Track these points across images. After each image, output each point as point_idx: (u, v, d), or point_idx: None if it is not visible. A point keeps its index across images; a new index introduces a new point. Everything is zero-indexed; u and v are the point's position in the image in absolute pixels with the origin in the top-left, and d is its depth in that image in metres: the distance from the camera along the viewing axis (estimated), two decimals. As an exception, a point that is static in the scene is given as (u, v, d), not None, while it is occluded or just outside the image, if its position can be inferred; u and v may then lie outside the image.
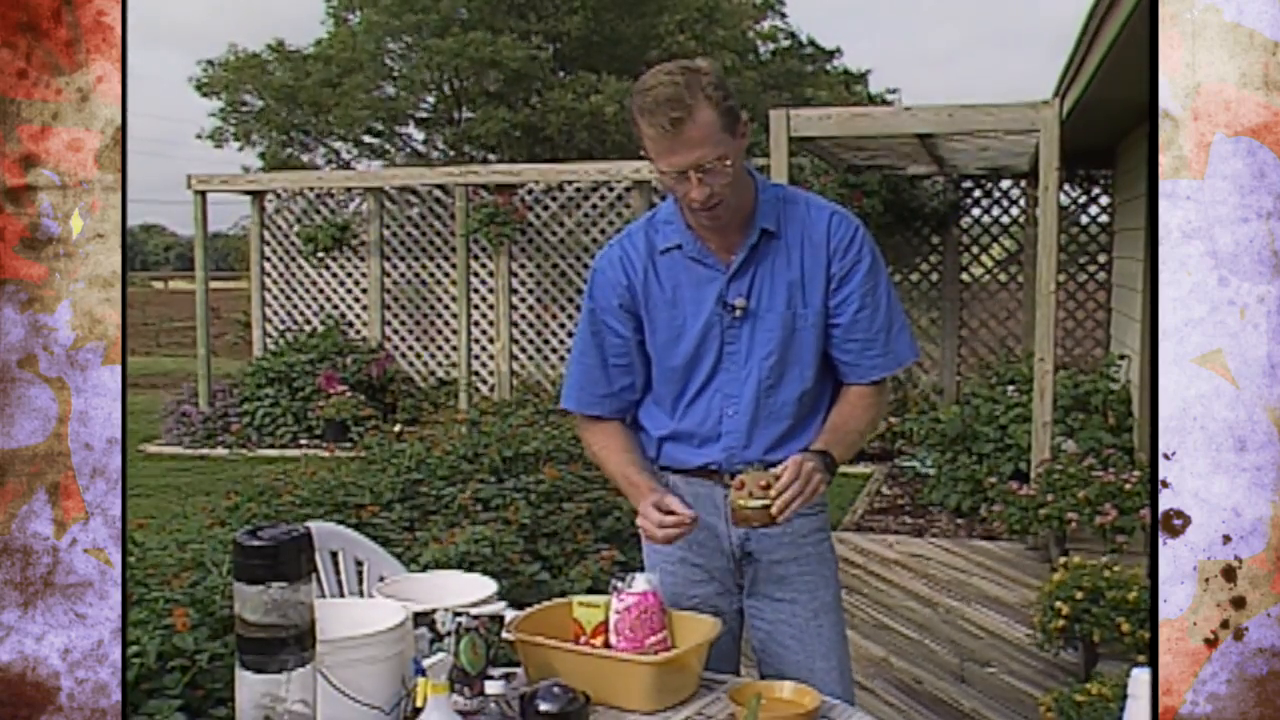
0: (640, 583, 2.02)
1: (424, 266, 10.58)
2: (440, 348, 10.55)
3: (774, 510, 1.92)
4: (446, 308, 10.49)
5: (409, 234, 10.59)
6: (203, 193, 10.18)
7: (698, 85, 1.95)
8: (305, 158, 24.60)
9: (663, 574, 2.15)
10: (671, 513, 2.03)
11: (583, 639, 2.02)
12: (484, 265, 10.22)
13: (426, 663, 1.67)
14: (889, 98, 26.73)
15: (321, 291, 10.77)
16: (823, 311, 2.12)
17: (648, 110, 1.96)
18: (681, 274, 2.14)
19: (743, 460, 2.11)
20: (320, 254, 10.31)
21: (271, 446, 9.34)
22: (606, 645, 2.00)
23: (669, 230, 2.15)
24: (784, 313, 2.11)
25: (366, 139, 24.57)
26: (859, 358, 2.14)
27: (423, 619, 1.88)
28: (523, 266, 10.30)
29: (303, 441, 9.37)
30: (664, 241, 2.15)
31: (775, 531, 2.17)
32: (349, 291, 10.70)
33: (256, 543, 1.49)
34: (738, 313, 2.11)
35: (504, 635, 1.95)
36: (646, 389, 2.24)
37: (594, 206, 10.09)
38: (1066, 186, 9.24)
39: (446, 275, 10.47)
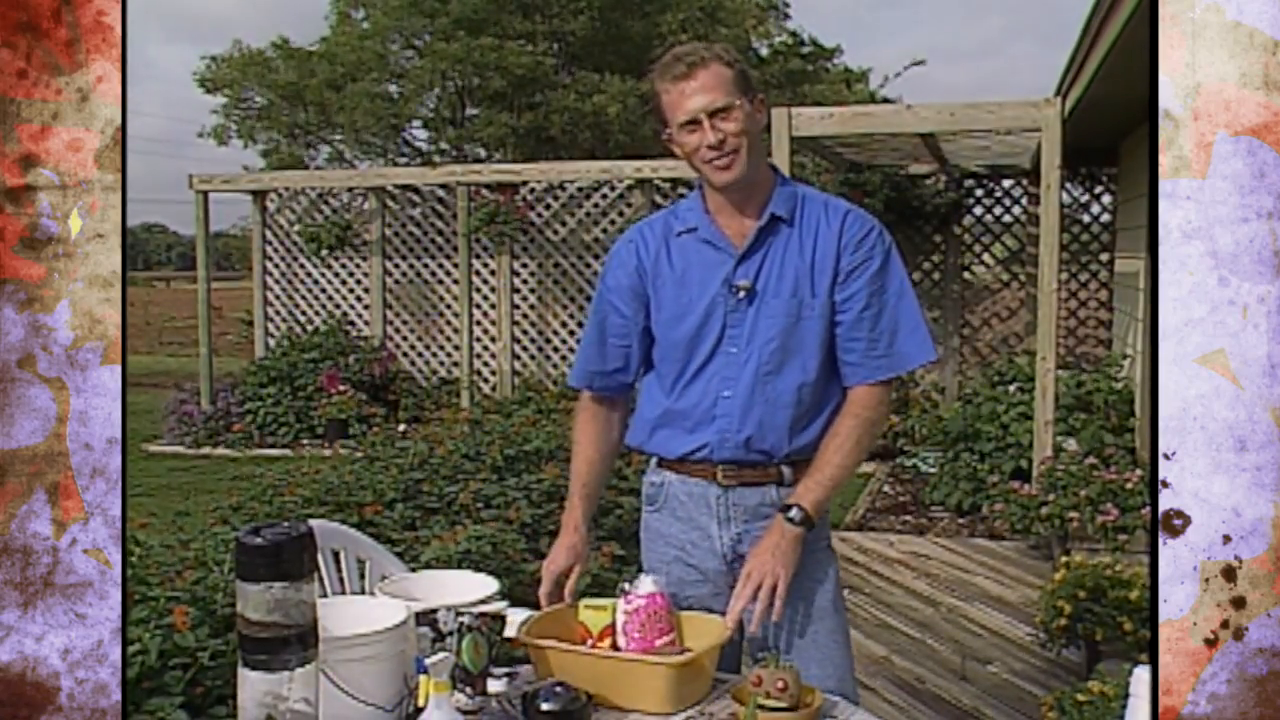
0: (647, 584, 2.01)
1: (426, 265, 10.58)
2: (442, 346, 10.55)
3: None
4: (448, 306, 10.49)
5: (411, 233, 10.59)
6: (204, 192, 10.19)
7: (711, 48, 2.10)
8: (309, 156, 24.58)
9: (658, 574, 2.15)
10: (562, 580, 2.21)
11: (589, 642, 2.00)
12: (486, 264, 10.23)
13: (429, 662, 1.67)
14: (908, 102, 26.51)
15: (324, 291, 10.77)
16: (829, 304, 2.11)
17: (664, 66, 2.08)
18: (693, 255, 2.17)
19: (735, 444, 2.13)
20: (322, 253, 10.31)
21: (273, 446, 9.35)
22: (614, 648, 1.99)
23: (689, 216, 2.20)
24: (790, 299, 2.11)
25: (370, 138, 24.54)
26: (863, 358, 2.13)
27: (425, 618, 1.88)
28: (524, 265, 10.31)
29: (305, 441, 9.36)
30: (681, 225, 2.20)
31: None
32: (351, 291, 10.71)
33: (259, 541, 1.49)
34: (741, 294, 2.11)
35: (505, 635, 1.95)
36: (640, 373, 2.28)
37: (595, 205, 10.09)
38: (1069, 185, 9.24)
39: (448, 274, 10.47)
